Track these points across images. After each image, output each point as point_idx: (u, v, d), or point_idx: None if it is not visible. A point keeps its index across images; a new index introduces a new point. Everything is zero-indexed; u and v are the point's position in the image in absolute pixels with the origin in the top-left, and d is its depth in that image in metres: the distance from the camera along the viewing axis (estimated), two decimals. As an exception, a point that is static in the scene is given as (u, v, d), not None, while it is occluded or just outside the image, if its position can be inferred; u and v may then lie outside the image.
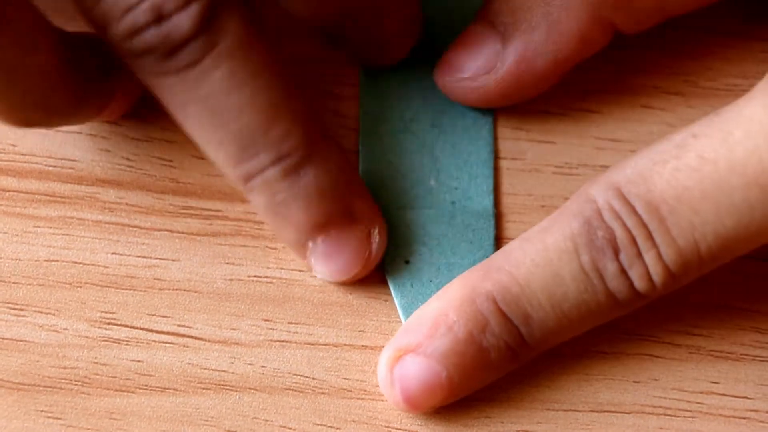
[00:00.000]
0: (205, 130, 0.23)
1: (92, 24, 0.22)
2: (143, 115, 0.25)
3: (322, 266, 0.25)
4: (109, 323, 0.24)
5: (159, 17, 0.22)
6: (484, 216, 0.26)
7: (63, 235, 0.25)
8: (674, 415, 0.24)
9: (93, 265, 0.25)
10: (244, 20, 0.23)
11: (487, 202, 0.26)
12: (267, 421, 0.24)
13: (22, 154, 0.25)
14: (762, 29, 0.27)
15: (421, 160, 0.26)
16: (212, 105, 0.23)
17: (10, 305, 0.24)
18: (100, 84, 0.24)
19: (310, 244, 0.24)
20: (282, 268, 0.25)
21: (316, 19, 0.25)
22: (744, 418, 0.24)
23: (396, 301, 0.24)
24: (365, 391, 0.24)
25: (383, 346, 0.25)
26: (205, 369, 0.24)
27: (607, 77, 0.26)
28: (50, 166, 0.25)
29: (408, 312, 0.24)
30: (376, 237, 0.25)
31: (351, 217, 0.25)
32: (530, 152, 0.26)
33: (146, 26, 0.22)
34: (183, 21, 0.22)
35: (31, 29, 0.22)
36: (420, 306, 0.24)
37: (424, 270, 0.25)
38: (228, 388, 0.24)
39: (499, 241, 0.25)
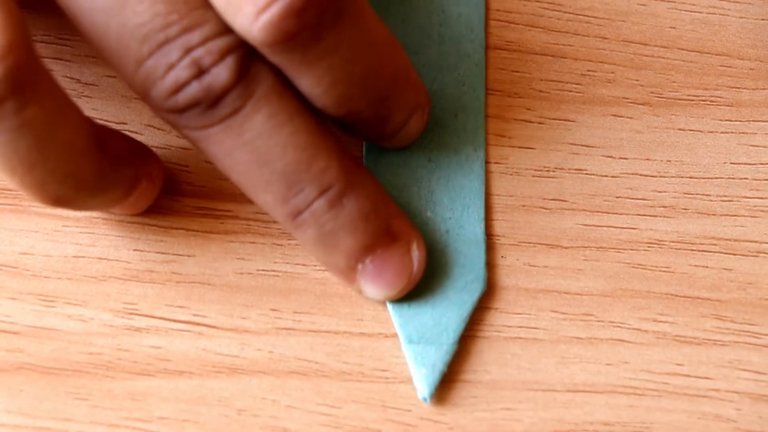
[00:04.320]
0: (252, 173, 0.22)
1: (135, 88, 0.22)
2: (161, 126, 0.25)
3: (372, 285, 0.24)
4: (131, 313, 0.24)
5: (199, 72, 0.21)
6: (475, 243, 0.25)
7: (89, 233, 0.25)
8: (643, 394, 0.24)
9: (116, 260, 0.25)
10: (273, 69, 0.22)
11: (479, 230, 0.25)
12: (274, 401, 0.24)
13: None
14: (719, 45, 0.27)
15: (418, 193, 0.26)
16: (257, 148, 0.22)
17: (41, 297, 0.24)
18: (123, 169, 0.24)
19: (360, 266, 0.24)
20: (287, 263, 0.25)
21: (339, 113, 0.24)
22: (706, 396, 0.24)
23: (394, 319, 0.25)
24: (363, 374, 0.24)
25: (380, 334, 0.24)
26: (218, 354, 0.24)
27: (581, 89, 0.26)
28: (77, 171, 0.24)
29: (406, 329, 0.25)
30: (415, 251, 0.25)
31: (392, 236, 0.24)
32: (512, 157, 0.26)
33: (188, 81, 0.21)
34: (222, 73, 0.22)
35: (59, 105, 0.21)
36: (415, 323, 0.25)
37: (420, 291, 0.25)
38: (239, 371, 0.24)
39: (490, 267, 0.25)
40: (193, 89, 0.21)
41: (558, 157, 0.26)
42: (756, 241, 0.25)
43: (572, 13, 0.27)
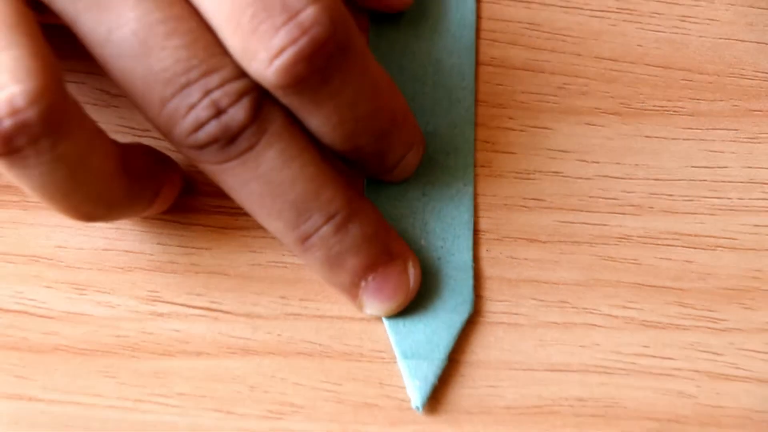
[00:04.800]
0: (265, 203, 0.23)
1: (158, 127, 0.23)
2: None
3: (373, 301, 0.25)
4: (154, 300, 0.25)
5: (218, 112, 0.22)
6: (464, 269, 0.26)
7: (117, 228, 0.26)
8: (612, 373, 0.25)
9: (141, 253, 0.25)
10: (283, 108, 0.23)
11: (467, 257, 0.26)
12: (282, 379, 0.25)
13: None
14: (681, 62, 0.27)
15: (413, 223, 0.26)
16: (270, 180, 0.23)
17: (74, 285, 0.25)
18: (147, 182, 0.24)
19: (363, 283, 0.25)
20: (295, 256, 0.25)
21: (344, 149, 0.25)
22: (669, 375, 0.25)
23: (390, 337, 0.25)
24: (362, 354, 0.25)
25: (377, 319, 0.25)
26: (232, 337, 0.25)
27: (558, 101, 0.27)
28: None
29: (401, 346, 0.25)
30: (411, 269, 0.25)
31: (391, 256, 0.25)
32: (496, 161, 0.27)
33: (208, 120, 0.22)
34: (238, 113, 0.22)
35: (89, 136, 0.22)
36: (409, 340, 0.25)
37: (414, 311, 0.25)
38: (251, 352, 0.25)
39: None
40: (212, 128, 0.22)
41: (537, 161, 0.27)
42: (714, 236, 0.26)
43: (550, 33, 0.27)
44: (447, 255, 0.26)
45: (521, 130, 0.27)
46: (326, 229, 0.23)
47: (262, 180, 0.23)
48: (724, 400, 0.25)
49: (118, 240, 0.25)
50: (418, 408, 0.24)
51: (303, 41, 0.21)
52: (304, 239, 0.23)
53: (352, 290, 0.24)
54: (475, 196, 0.26)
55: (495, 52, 0.27)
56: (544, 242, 0.25)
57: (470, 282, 0.25)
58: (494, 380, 0.25)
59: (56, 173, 0.21)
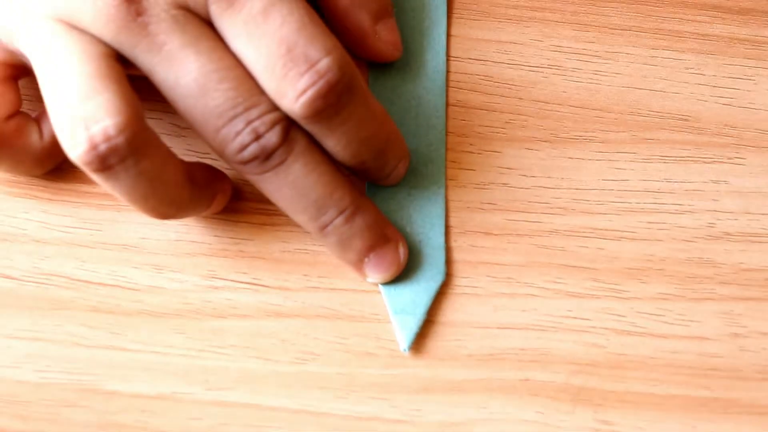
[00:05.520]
0: (293, 202, 0.25)
1: (214, 148, 0.24)
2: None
3: (373, 272, 0.27)
4: (212, 277, 0.28)
5: (257, 137, 0.24)
6: (438, 249, 0.27)
7: (184, 224, 0.28)
8: (545, 330, 0.28)
9: (203, 242, 0.28)
10: (306, 133, 0.25)
11: (441, 241, 0.28)
12: (305, 335, 0.27)
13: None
14: (595, 103, 0.30)
15: (402, 216, 0.28)
16: (297, 185, 0.25)
17: (154, 266, 0.28)
18: (206, 190, 0.26)
19: (366, 260, 0.26)
20: (315, 245, 0.28)
21: (351, 164, 0.26)
22: (587, 331, 0.28)
23: (385, 298, 0.27)
24: (363, 317, 0.27)
25: (375, 290, 0.27)
26: (269, 304, 0.27)
27: (505, 132, 0.29)
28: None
29: (393, 304, 0.27)
30: (402, 248, 0.27)
31: (386, 239, 0.27)
32: (460, 176, 0.29)
33: (250, 143, 0.24)
34: (273, 137, 0.24)
35: (163, 156, 0.24)
36: (399, 299, 0.27)
37: (402, 279, 0.27)
38: (282, 315, 0.27)
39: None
40: (253, 148, 0.24)
41: (490, 176, 0.29)
42: (619, 230, 0.29)
43: (499, 83, 0.30)
44: (425, 239, 0.28)
45: (479, 153, 0.29)
46: (339, 220, 0.25)
47: (291, 186, 0.25)
48: (627, 349, 0.27)
49: (186, 233, 0.28)
50: (405, 350, 0.27)
51: (320, 84, 0.23)
52: (323, 228, 0.25)
53: (358, 264, 0.27)
54: (447, 201, 0.28)
55: (460, 96, 0.30)
56: (496, 235, 0.28)
57: (443, 258, 0.27)
58: (460, 335, 0.27)
59: (139, 184, 0.23)
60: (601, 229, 0.29)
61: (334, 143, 0.25)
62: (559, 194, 0.29)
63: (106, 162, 0.22)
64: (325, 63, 0.23)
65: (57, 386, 0.26)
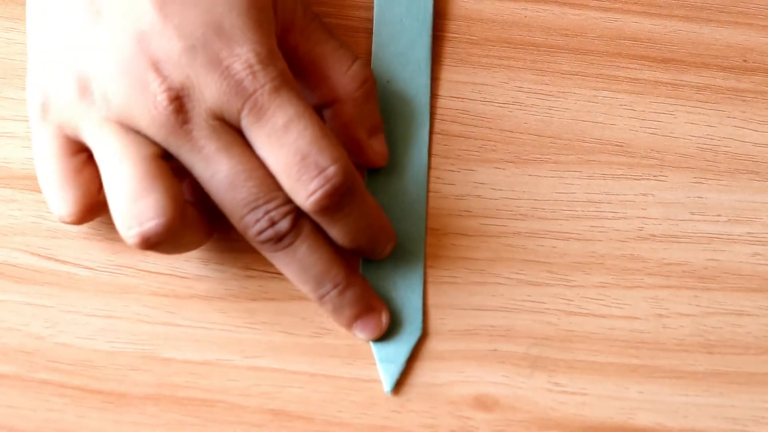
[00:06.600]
0: (299, 275, 0.29)
1: (238, 230, 0.28)
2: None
3: (361, 334, 0.30)
4: (247, 268, 0.32)
5: (272, 223, 0.28)
6: (417, 310, 0.31)
7: (225, 227, 0.30)
8: (510, 311, 0.31)
9: (240, 241, 0.30)
10: (312, 222, 0.28)
11: (419, 303, 0.31)
12: (321, 314, 0.31)
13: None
14: (549, 132, 0.33)
15: (387, 284, 0.31)
16: (302, 262, 0.28)
17: (201, 259, 0.31)
18: (208, 228, 0.30)
19: (355, 324, 0.30)
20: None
21: (350, 247, 0.29)
22: (542, 312, 0.31)
23: (373, 348, 0.30)
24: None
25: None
26: (292, 290, 0.31)
27: (479, 154, 0.33)
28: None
29: (378, 352, 0.30)
30: (384, 317, 0.30)
31: (372, 309, 0.30)
32: (442, 189, 0.33)
33: (266, 228, 0.28)
34: (284, 224, 0.28)
35: (198, 229, 0.28)
36: (384, 350, 0.30)
37: (387, 335, 0.30)
38: (303, 299, 0.31)
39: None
40: (269, 232, 0.27)
41: (466, 189, 0.33)
42: (568, 232, 0.33)
43: (474, 116, 0.34)
44: (407, 302, 0.31)
45: (458, 171, 0.33)
46: (333, 293, 0.29)
47: (298, 262, 0.28)
48: (574, 326, 0.31)
49: (226, 234, 0.32)
50: (388, 392, 0.29)
51: (327, 186, 0.27)
52: (321, 297, 0.29)
53: (349, 327, 0.30)
54: (429, 208, 0.32)
55: (443, 126, 0.34)
56: (471, 236, 0.32)
57: (420, 318, 0.30)
58: (442, 315, 0.31)
59: (180, 243, 0.28)
60: (554, 232, 0.33)
61: (336, 232, 0.29)
62: (521, 204, 0.33)
63: (155, 248, 0.27)
64: (332, 170, 0.27)
65: (124, 354, 0.30)
